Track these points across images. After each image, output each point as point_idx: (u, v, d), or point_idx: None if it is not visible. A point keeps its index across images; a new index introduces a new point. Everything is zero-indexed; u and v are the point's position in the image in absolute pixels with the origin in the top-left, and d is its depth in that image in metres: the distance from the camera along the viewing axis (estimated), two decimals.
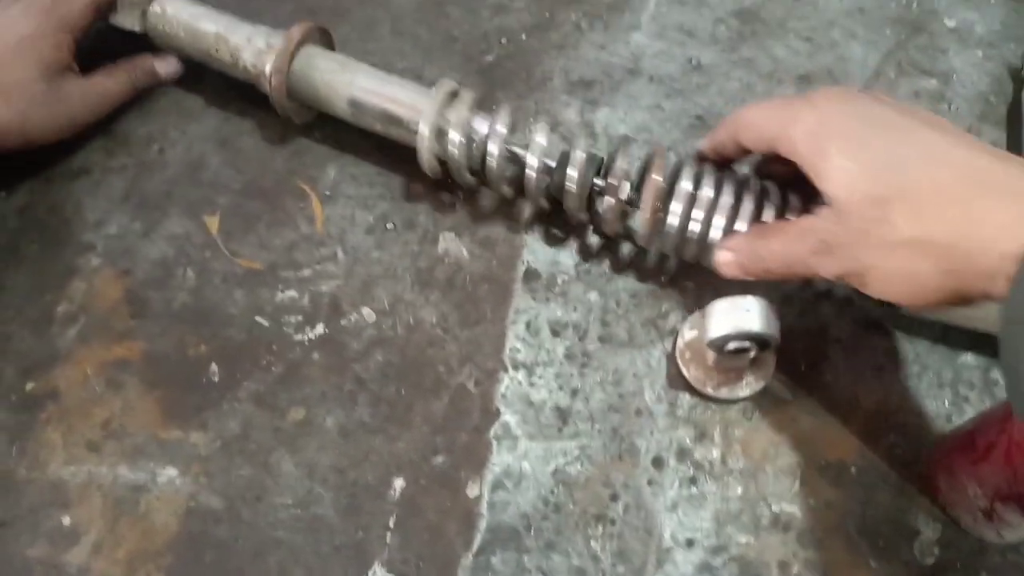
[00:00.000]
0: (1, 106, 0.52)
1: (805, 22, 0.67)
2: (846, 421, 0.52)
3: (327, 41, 0.60)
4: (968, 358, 0.54)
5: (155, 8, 0.59)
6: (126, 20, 0.60)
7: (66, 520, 0.49)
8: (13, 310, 0.55)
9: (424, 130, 0.53)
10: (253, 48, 0.57)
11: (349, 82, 0.56)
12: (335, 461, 0.51)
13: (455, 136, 0.53)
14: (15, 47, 0.53)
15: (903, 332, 0.54)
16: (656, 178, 0.50)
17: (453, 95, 0.55)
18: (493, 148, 0.53)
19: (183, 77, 0.62)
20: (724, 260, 0.48)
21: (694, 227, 0.50)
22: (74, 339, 0.54)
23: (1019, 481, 0.41)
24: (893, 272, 0.40)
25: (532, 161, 0.52)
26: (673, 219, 0.50)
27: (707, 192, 0.49)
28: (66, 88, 0.55)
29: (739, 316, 0.47)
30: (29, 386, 0.53)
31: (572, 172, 0.51)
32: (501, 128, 0.53)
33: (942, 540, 0.49)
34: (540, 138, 0.52)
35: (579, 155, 0.51)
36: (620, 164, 0.51)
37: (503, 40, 0.66)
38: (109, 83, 0.58)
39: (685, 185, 0.50)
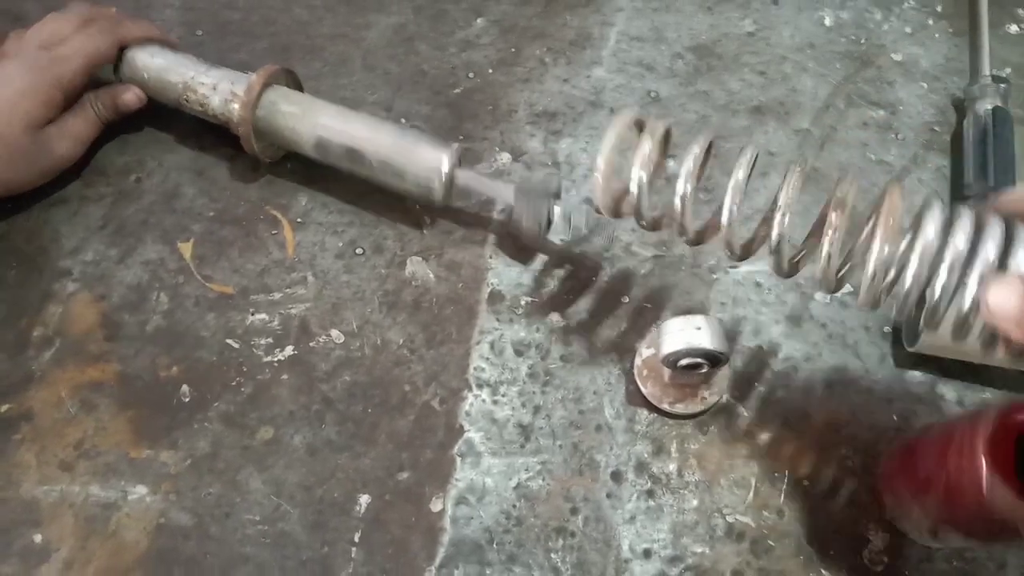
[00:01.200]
0: None
1: (758, 57, 0.70)
2: (798, 435, 0.53)
3: (294, 80, 0.63)
4: (915, 374, 0.56)
5: (126, 60, 0.61)
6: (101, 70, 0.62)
7: (37, 538, 0.50)
8: None
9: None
10: (220, 96, 0.59)
11: (313, 124, 0.58)
12: (302, 478, 0.52)
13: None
14: (6, 102, 0.55)
15: (851, 350, 0.56)
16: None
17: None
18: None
19: (160, 110, 0.64)
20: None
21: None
22: (49, 362, 0.55)
23: (957, 515, 0.43)
24: None
25: None
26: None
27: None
28: (44, 138, 0.57)
29: (690, 334, 0.49)
30: (3, 408, 0.54)
31: None
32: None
33: (890, 548, 0.50)
34: None
35: None
36: None
37: (470, 74, 0.69)
38: (79, 124, 0.60)
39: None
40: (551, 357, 0.56)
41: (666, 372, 0.52)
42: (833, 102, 0.68)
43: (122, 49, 0.61)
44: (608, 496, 0.52)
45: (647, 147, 0.48)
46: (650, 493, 0.52)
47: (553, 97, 0.67)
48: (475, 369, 0.56)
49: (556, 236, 0.58)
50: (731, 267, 0.59)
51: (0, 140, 0.55)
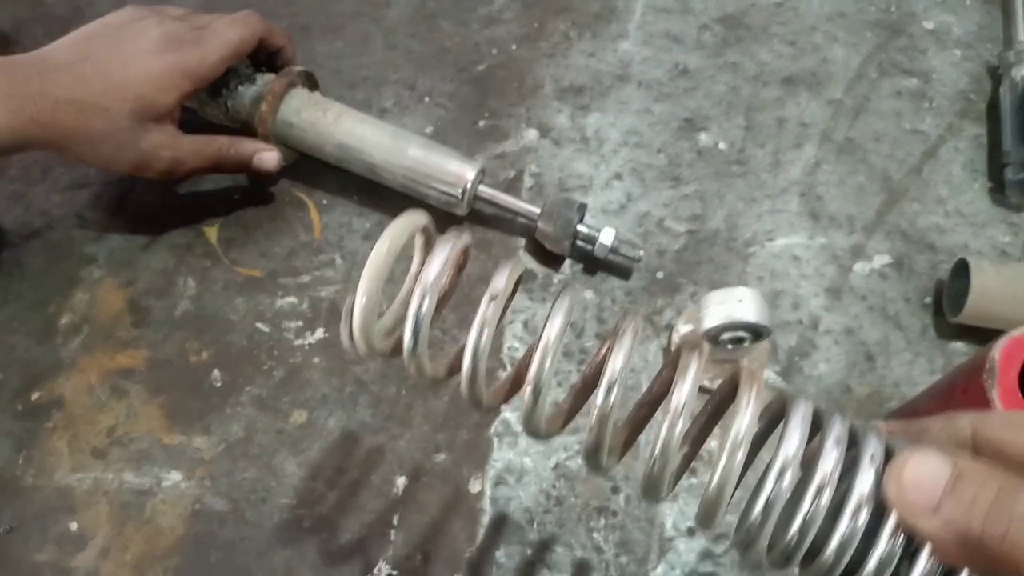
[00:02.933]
0: (97, 120, 0.51)
1: (788, 27, 0.68)
2: (841, 409, 0.52)
3: (311, 79, 0.60)
4: (958, 345, 0.55)
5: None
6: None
7: (73, 525, 0.49)
8: (17, 322, 0.56)
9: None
10: (241, 101, 0.57)
11: (331, 138, 0.57)
12: (338, 461, 0.51)
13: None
14: (128, 77, 0.51)
15: (892, 322, 0.55)
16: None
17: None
18: None
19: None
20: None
21: None
22: (78, 349, 0.55)
23: None
24: None
25: None
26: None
27: None
28: (147, 135, 0.52)
29: (732, 307, 0.48)
30: (35, 395, 0.53)
31: None
32: None
33: None
34: None
35: None
36: None
37: (494, 51, 0.67)
38: (188, 152, 0.55)
39: None
40: (586, 335, 0.55)
41: (705, 347, 0.51)
42: (865, 71, 0.66)
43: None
44: None
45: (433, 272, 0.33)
46: (693, 471, 0.51)
47: (579, 72, 0.66)
48: (508, 348, 0.55)
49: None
50: (768, 240, 0.58)
51: (105, 113, 0.51)
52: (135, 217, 0.59)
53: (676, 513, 0.50)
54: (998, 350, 0.40)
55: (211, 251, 0.58)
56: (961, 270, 0.54)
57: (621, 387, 0.31)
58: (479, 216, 0.59)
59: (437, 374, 0.35)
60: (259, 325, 0.56)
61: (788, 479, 0.28)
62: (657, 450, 0.30)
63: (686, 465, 0.34)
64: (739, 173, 0.61)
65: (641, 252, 0.55)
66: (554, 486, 0.51)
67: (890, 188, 0.61)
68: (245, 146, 0.56)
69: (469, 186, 0.55)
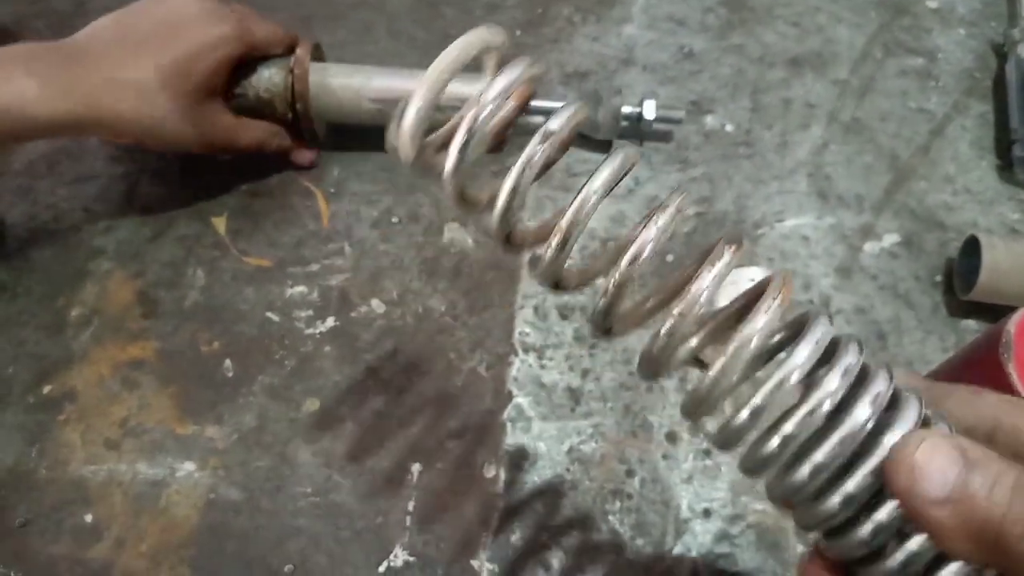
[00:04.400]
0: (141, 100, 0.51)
1: (791, 8, 0.68)
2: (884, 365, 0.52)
3: (318, 54, 0.60)
4: (969, 323, 0.55)
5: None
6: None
7: (88, 517, 0.49)
8: (27, 315, 0.55)
9: None
10: (262, 82, 0.57)
11: (368, 88, 0.57)
12: (351, 449, 0.51)
13: None
14: (184, 57, 0.51)
15: (903, 300, 0.55)
16: None
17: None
18: None
19: None
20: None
21: None
22: (88, 341, 0.55)
23: None
24: None
25: None
26: None
27: None
28: (205, 114, 0.54)
29: (744, 286, 0.48)
30: (46, 388, 0.53)
31: None
32: None
33: None
34: None
35: None
36: None
37: None
38: (239, 131, 0.56)
39: None
40: None
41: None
42: (870, 51, 0.66)
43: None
44: (664, 457, 0.51)
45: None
46: (707, 452, 0.51)
47: (584, 56, 0.66)
48: (520, 334, 0.55)
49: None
50: (777, 221, 0.58)
51: (154, 93, 0.51)
52: (142, 209, 0.59)
53: (692, 495, 0.50)
54: (1014, 324, 0.40)
55: (219, 241, 0.58)
56: (971, 247, 0.53)
57: (651, 258, 0.29)
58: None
59: (477, 200, 0.31)
60: (269, 314, 0.55)
61: (785, 391, 0.27)
62: (664, 328, 0.29)
63: (692, 357, 0.33)
64: (746, 155, 0.61)
65: (683, 112, 0.59)
66: (568, 470, 0.50)
67: (898, 167, 0.60)
68: (288, 139, 0.59)
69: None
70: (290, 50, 0.58)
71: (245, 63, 0.56)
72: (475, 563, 0.48)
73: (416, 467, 0.51)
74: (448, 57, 0.29)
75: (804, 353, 0.27)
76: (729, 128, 0.62)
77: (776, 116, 0.63)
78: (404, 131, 0.28)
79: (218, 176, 0.61)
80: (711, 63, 0.65)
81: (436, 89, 0.28)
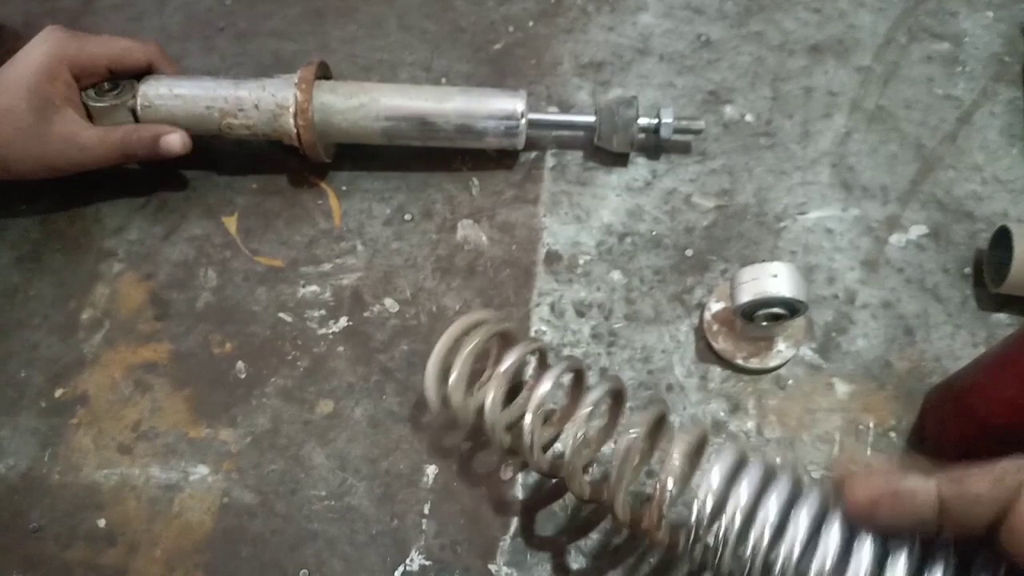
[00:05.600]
0: None
1: None
2: (881, 385, 0.51)
3: (324, 69, 0.59)
4: (1000, 316, 0.53)
5: (141, 96, 0.56)
6: (114, 120, 0.56)
7: (101, 522, 0.49)
8: (39, 318, 0.55)
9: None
10: (264, 114, 0.55)
11: (376, 112, 0.55)
12: (366, 451, 0.50)
13: None
14: (17, 76, 0.52)
15: (931, 294, 0.53)
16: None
17: None
18: None
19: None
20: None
21: None
22: (100, 344, 0.54)
23: None
24: None
25: None
26: None
27: None
28: (51, 128, 0.53)
29: (766, 282, 0.46)
30: (58, 392, 0.53)
31: None
32: None
33: None
34: None
35: None
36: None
37: (510, 28, 0.66)
38: (94, 142, 0.54)
39: None
40: (615, 316, 0.54)
41: (739, 325, 0.50)
42: (894, 36, 0.64)
43: (137, 80, 0.56)
44: None
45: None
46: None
47: (599, 47, 0.64)
48: (536, 332, 0.54)
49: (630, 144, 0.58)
50: (799, 214, 0.56)
51: (8, 114, 0.52)
52: (153, 210, 0.59)
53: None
54: None
55: (230, 242, 0.57)
56: (1002, 238, 0.52)
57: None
58: (531, 143, 0.59)
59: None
60: (282, 315, 0.55)
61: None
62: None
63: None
64: (767, 145, 0.59)
65: (702, 123, 0.58)
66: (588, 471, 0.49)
67: (924, 156, 0.59)
68: (148, 129, 0.55)
69: (524, 110, 0.56)
70: (147, 65, 0.57)
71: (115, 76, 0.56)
72: (492, 567, 0.47)
73: (432, 469, 0.50)
74: (450, 332, 0.44)
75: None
76: (749, 118, 0.60)
77: (797, 105, 0.61)
78: (427, 389, 0.43)
79: (228, 175, 0.60)
80: (729, 51, 0.64)
81: (444, 351, 0.43)
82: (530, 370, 0.49)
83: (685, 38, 0.64)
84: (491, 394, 0.42)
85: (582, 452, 0.42)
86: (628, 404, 0.45)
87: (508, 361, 0.43)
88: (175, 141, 0.55)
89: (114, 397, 0.52)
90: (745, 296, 0.47)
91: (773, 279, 0.46)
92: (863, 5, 0.66)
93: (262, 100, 0.55)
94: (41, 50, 0.53)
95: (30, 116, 0.52)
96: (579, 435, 0.40)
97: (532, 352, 0.45)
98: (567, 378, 0.45)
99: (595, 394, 0.41)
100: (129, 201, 0.59)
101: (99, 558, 0.48)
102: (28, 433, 0.51)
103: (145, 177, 0.60)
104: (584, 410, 0.41)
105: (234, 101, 0.55)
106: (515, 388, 0.48)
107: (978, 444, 0.45)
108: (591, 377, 0.46)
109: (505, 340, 0.46)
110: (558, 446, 0.45)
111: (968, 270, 0.54)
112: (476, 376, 0.45)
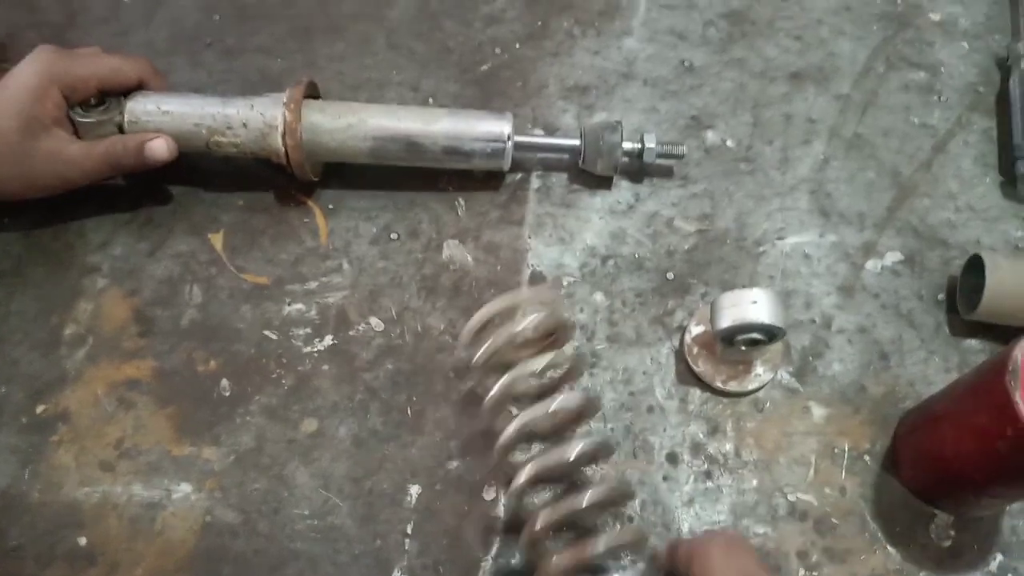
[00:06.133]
0: None
1: (793, 21, 0.68)
2: (856, 408, 0.52)
3: (313, 88, 0.59)
4: (972, 342, 0.54)
5: (128, 112, 0.55)
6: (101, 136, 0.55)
7: (82, 541, 0.49)
8: (20, 334, 0.55)
9: None
10: (253, 132, 0.55)
11: (364, 133, 0.56)
12: (350, 470, 0.51)
13: None
14: (10, 96, 0.52)
15: (905, 320, 0.55)
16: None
17: None
18: None
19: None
20: None
21: None
22: (83, 360, 0.54)
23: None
24: None
25: None
26: None
27: None
28: (37, 146, 0.52)
29: (746, 308, 0.47)
30: (40, 409, 0.52)
31: None
32: None
33: (957, 523, 0.49)
34: None
35: None
36: None
37: (497, 50, 0.67)
38: (80, 155, 0.54)
39: None
40: (597, 338, 0.55)
41: (719, 349, 0.51)
42: (872, 65, 0.65)
43: (124, 96, 0.56)
44: (664, 479, 0.50)
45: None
46: (708, 474, 0.50)
47: (584, 71, 0.65)
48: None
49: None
50: (778, 239, 0.58)
51: None
52: (138, 226, 0.59)
53: (692, 518, 0.49)
54: (1021, 350, 0.40)
55: (216, 259, 0.57)
56: (974, 266, 0.53)
57: None
58: (517, 165, 0.59)
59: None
60: (267, 333, 0.55)
61: None
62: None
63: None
64: (747, 171, 0.60)
65: (684, 148, 0.59)
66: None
67: (900, 184, 0.60)
68: (132, 137, 0.55)
69: (511, 132, 0.56)
70: (137, 82, 0.56)
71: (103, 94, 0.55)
72: None
73: (415, 489, 0.50)
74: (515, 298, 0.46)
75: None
76: (730, 143, 0.62)
77: (777, 131, 0.62)
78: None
79: (214, 191, 0.60)
80: (712, 77, 0.65)
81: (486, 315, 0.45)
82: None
83: (669, 63, 0.65)
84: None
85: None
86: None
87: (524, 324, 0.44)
88: (160, 147, 0.55)
89: (96, 414, 0.52)
90: (725, 321, 0.48)
91: (753, 305, 0.47)
92: (843, 33, 0.67)
93: (250, 119, 0.55)
94: (31, 70, 0.52)
95: (18, 136, 0.52)
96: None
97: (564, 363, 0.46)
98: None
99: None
100: (114, 217, 0.59)
101: None
102: (7, 451, 0.51)
103: (130, 192, 0.60)
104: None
105: (222, 119, 0.55)
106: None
107: (950, 470, 0.46)
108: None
109: (553, 332, 0.46)
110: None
111: (942, 296, 0.56)
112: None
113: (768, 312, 0.47)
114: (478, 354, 0.44)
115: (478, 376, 0.45)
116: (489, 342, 0.44)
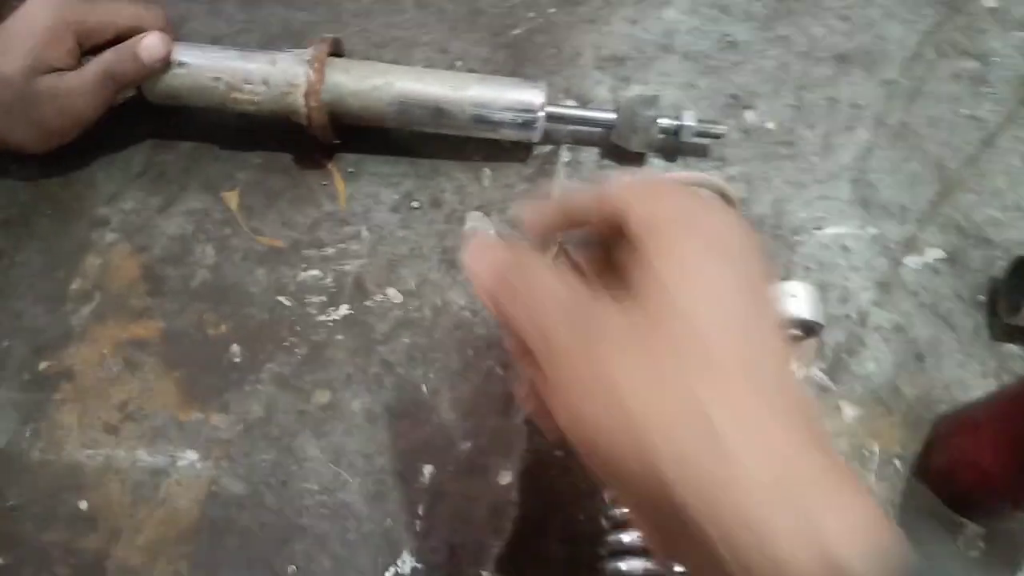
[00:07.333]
0: None
1: (842, 0, 0.65)
2: (888, 410, 0.50)
3: (337, 46, 0.56)
4: (1012, 347, 0.52)
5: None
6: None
7: (83, 505, 0.47)
8: (25, 286, 0.53)
9: None
10: (274, 90, 0.52)
11: (389, 96, 0.53)
12: (361, 446, 0.49)
13: None
14: (13, 37, 0.49)
15: (944, 320, 0.53)
16: None
17: None
18: None
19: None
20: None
21: None
22: (89, 317, 0.52)
23: None
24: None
25: None
26: None
27: None
28: (45, 86, 0.50)
29: (785, 301, 0.45)
30: (43, 365, 0.51)
31: None
32: None
33: (987, 533, 0.47)
34: None
35: None
36: None
37: (530, 14, 0.64)
38: (77, 82, 0.51)
39: None
40: None
41: None
42: (922, 51, 0.63)
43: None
44: None
45: None
46: None
47: (621, 40, 0.62)
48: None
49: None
50: (816, 229, 0.55)
51: (5, 80, 0.49)
52: (151, 179, 0.56)
53: None
54: None
55: (230, 218, 0.55)
56: (1018, 268, 0.51)
57: None
58: (547, 136, 0.57)
59: None
60: (280, 298, 0.53)
61: None
62: None
63: None
64: (787, 155, 0.58)
65: (724, 128, 0.56)
66: (585, 478, 0.48)
67: (945, 177, 0.57)
68: (125, 45, 0.51)
69: (544, 103, 0.54)
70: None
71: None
72: (485, 573, 0.46)
73: (428, 469, 0.48)
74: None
75: None
76: (770, 125, 0.59)
77: (820, 116, 0.59)
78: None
79: (230, 148, 0.57)
80: (754, 55, 0.62)
81: None
82: None
83: (710, 37, 0.63)
84: None
85: None
86: None
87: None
88: (153, 44, 0.51)
89: (102, 374, 0.50)
90: None
91: (792, 299, 0.45)
92: (893, 16, 0.64)
93: (272, 76, 0.53)
94: (46, 13, 0.49)
95: (23, 81, 0.49)
96: None
97: None
98: None
99: None
100: (125, 168, 0.57)
101: (79, 542, 0.46)
102: (9, 406, 0.50)
103: (143, 144, 0.57)
104: None
105: (242, 74, 0.53)
106: None
107: (988, 480, 0.44)
108: None
109: None
110: None
111: (982, 297, 0.53)
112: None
113: (808, 307, 0.45)
114: None
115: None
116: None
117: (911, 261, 0.55)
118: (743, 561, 0.23)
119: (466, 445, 0.49)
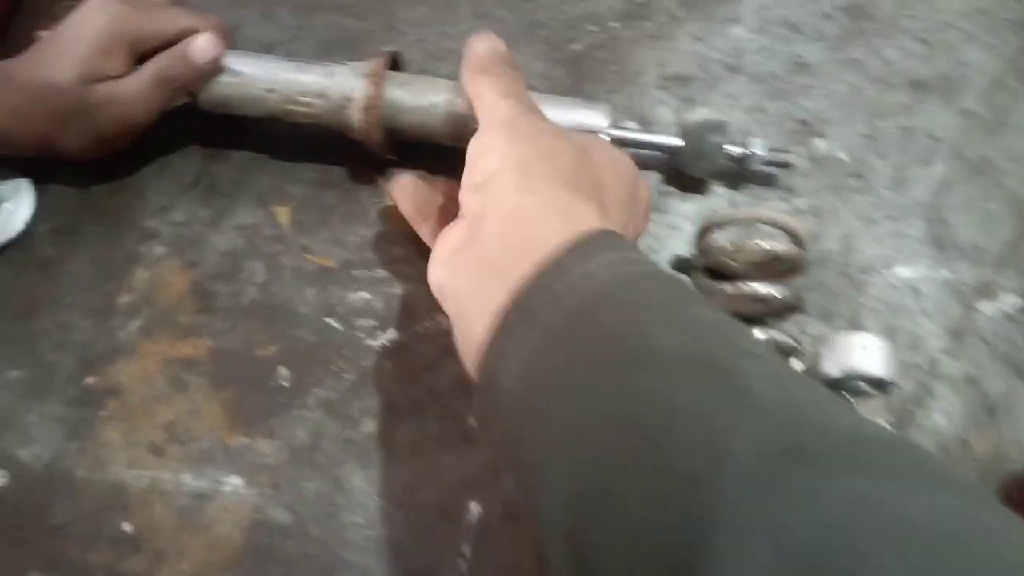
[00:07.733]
0: (36, 109, 0.49)
1: (919, 22, 0.62)
2: (957, 466, 0.48)
3: (394, 60, 0.54)
4: None
5: None
6: None
7: (127, 526, 0.47)
8: (72, 297, 0.52)
9: None
10: (330, 103, 0.51)
11: (449, 114, 0.51)
12: (406, 479, 0.48)
13: None
14: (64, 44, 0.48)
15: (1019, 374, 0.50)
16: None
17: None
18: None
19: None
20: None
21: None
22: (137, 332, 0.51)
23: None
24: None
25: None
26: None
27: None
28: (99, 94, 0.49)
29: (857, 355, 0.43)
30: (90, 380, 0.50)
31: None
32: None
33: None
34: None
35: None
36: None
37: (592, 28, 0.61)
38: (131, 87, 0.50)
39: None
40: None
41: None
42: (1004, 80, 0.59)
43: None
44: None
45: None
46: None
47: (686, 58, 0.60)
48: None
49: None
50: (885, 268, 0.53)
51: (51, 88, 0.48)
52: (202, 191, 0.55)
53: None
54: None
55: (281, 235, 0.54)
56: None
57: None
58: None
59: None
60: (329, 320, 0.52)
61: None
62: None
63: None
64: (857, 188, 0.55)
65: (795, 157, 0.54)
66: None
67: None
68: (175, 49, 0.50)
69: (608, 125, 0.52)
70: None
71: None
72: None
73: (475, 506, 0.47)
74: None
75: None
76: (841, 155, 0.56)
77: (893, 146, 0.57)
78: None
79: (283, 160, 0.56)
80: (825, 78, 0.59)
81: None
82: None
83: (779, 58, 0.60)
84: None
85: None
86: None
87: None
88: (204, 45, 0.50)
89: (149, 392, 0.50)
90: (831, 367, 0.44)
91: (863, 351, 0.43)
92: (973, 40, 0.61)
93: (328, 89, 0.51)
94: (101, 22, 0.48)
95: (77, 89, 0.48)
96: None
97: None
98: None
99: None
100: (177, 179, 0.56)
101: (123, 564, 0.46)
102: (55, 421, 0.49)
103: (193, 155, 0.56)
104: None
105: (297, 86, 0.51)
106: None
107: None
108: None
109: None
110: None
111: None
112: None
113: (881, 363, 0.43)
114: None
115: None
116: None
117: (986, 307, 0.52)
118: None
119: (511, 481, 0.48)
